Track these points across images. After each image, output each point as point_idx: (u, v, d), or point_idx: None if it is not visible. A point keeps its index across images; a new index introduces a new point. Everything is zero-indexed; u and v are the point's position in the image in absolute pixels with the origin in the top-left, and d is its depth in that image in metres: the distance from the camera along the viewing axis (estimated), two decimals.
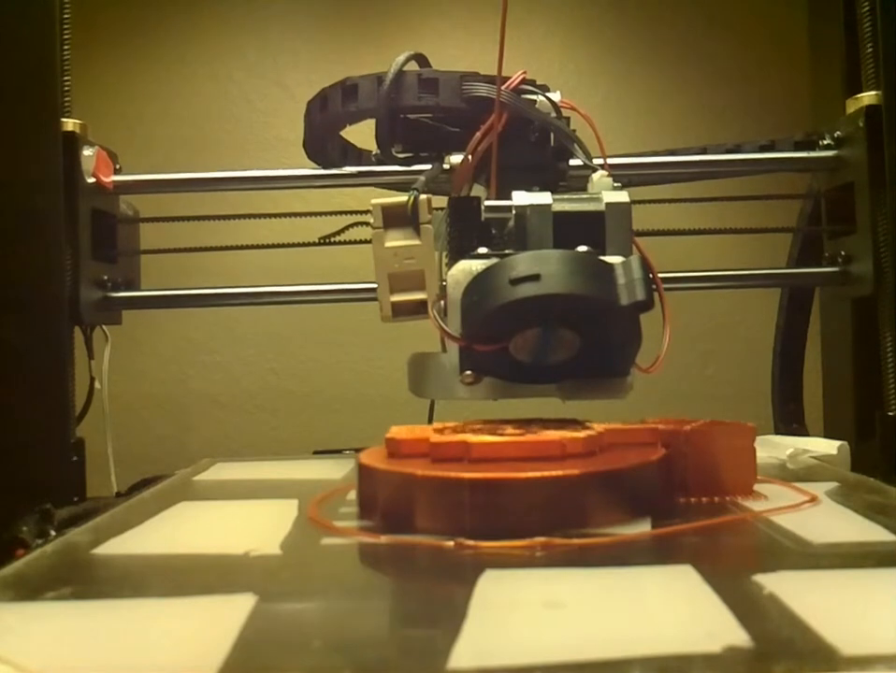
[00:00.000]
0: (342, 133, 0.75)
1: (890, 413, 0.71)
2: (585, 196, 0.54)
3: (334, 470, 0.63)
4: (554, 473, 0.42)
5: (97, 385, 0.79)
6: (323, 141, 0.74)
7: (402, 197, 0.58)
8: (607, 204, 0.53)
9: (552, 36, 1.17)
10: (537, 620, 0.31)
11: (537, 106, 0.60)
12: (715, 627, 0.29)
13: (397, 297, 0.58)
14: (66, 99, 0.73)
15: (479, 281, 0.51)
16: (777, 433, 0.85)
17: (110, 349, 0.80)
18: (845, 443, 0.66)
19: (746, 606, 0.32)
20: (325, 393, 1.14)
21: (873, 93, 0.73)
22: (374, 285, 0.59)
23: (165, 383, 1.14)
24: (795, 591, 0.33)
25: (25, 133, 0.71)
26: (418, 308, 0.58)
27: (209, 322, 1.15)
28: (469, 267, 0.52)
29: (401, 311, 0.58)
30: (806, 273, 0.82)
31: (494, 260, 0.51)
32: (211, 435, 1.14)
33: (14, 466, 0.67)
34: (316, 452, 0.82)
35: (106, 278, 0.78)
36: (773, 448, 0.64)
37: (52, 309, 0.71)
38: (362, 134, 0.73)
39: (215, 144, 1.16)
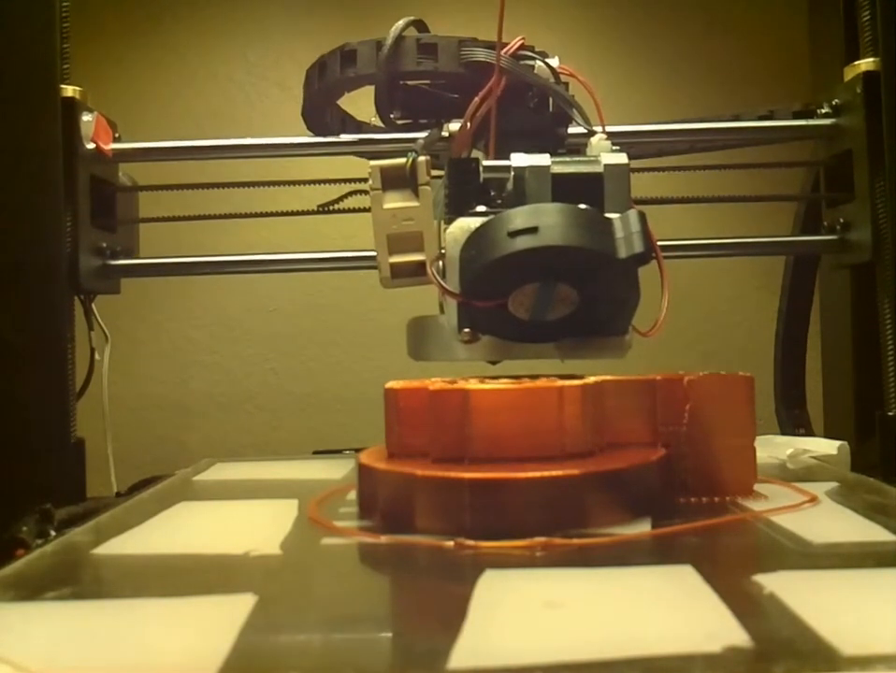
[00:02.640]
0: (342, 107, 0.75)
1: (890, 413, 0.71)
2: (583, 159, 0.54)
3: (334, 470, 0.63)
4: (554, 473, 0.42)
5: (97, 357, 0.78)
6: (322, 110, 0.74)
7: (401, 159, 0.58)
8: (605, 165, 0.53)
9: (551, 36, 1.17)
10: (537, 620, 0.31)
11: (535, 71, 0.60)
12: (715, 627, 0.29)
13: (395, 259, 0.57)
14: (66, 66, 0.72)
15: (477, 236, 0.51)
16: (779, 418, 0.85)
17: (110, 349, 0.80)
18: (845, 443, 0.66)
19: (746, 606, 0.32)
20: (325, 393, 1.14)
21: (870, 59, 0.72)
22: (374, 253, 0.59)
23: (165, 383, 1.14)
24: (795, 591, 0.33)
25: (24, 98, 0.70)
26: (417, 270, 0.57)
27: (209, 322, 1.15)
28: (467, 225, 0.52)
29: (400, 273, 0.58)
30: (805, 241, 0.82)
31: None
32: (211, 435, 1.14)
33: (14, 466, 0.67)
34: (316, 452, 0.82)
35: (105, 245, 0.78)
36: (774, 448, 0.64)
37: (51, 276, 0.70)
38: (362, 110, 0.73)
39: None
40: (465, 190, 0.55)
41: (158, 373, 1.14)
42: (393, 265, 0.57)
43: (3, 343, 0.68)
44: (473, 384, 0.47)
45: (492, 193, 0.55)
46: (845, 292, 0.80)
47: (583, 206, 0.50)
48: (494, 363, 0.56)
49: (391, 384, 0.49)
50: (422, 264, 0.57)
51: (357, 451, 0.54)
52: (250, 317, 1.15)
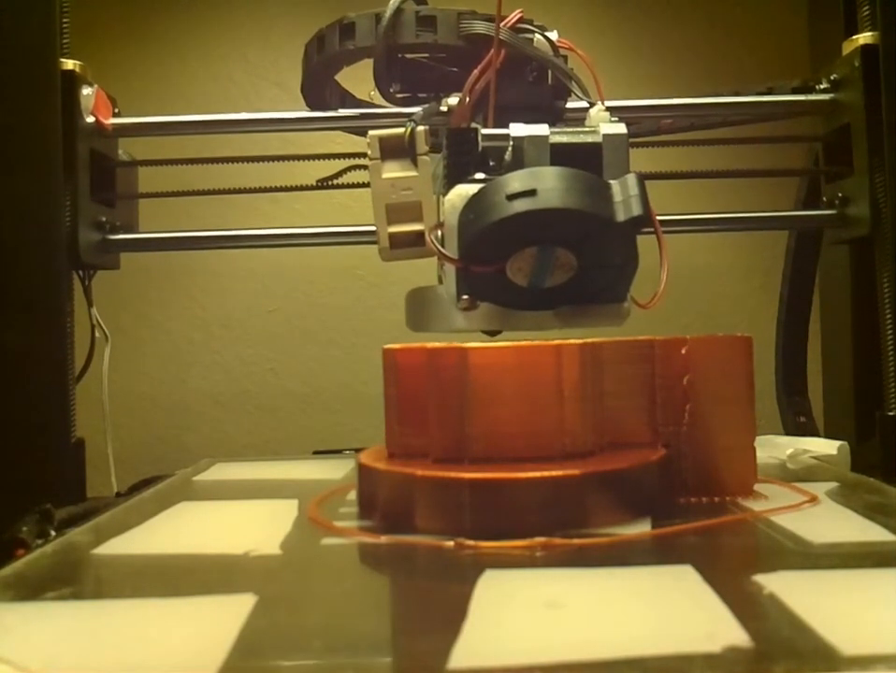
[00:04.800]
0: (344, 87, 0.75)
1: (890, 413, 0.71)
2: (582, 129, 0.54)
3: (334, 470, 0.63)
4: (554, 473, 0.42)
5: (97, 334, 0.78)
6: (321, 84, 0.74)
7: (400, 129, 0.58)
8: (604, 135, 0.53)
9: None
10: (537, 620, 0.31)
11: (534, 45, 0.60)
12: (715, 627, 0.29)
13: (394, 229, 0.57)
14: (65, 40, 0.72)
15: (475, 200, 0.51)
16: (780, 405, 0.85)
17: (110, 349, 0.80)
18: (845, 443, 0.66)
19: (746, 606, 0.32)
20: (325, 393, 1.14)
21: (868, 33, 0.72)
22: (373, 228, 0.58)
23: (165, 383, 1.14)
24: (795, 591, 0.33)
25: (23, 70, 0.70)
26: (416, 240, 0.57)
27: (209, 321, 1.15)
28: (465, 192, 0.52)
29: (399, 243, 0.58)
30: (804, 215, 0.82)
31: None
32: (211, 435, 1.14)
33: (14, 466, 0.67)
34: (316, 452, 0.82)
35: (104, 219, 0.77)
36: (773, 448, 0.64)
37: (50, 249, 0.69)
38: (362, 88, 0.73)
39: (216, 144, 1.16)
40: (464, 160, 0.54)
41: (158, 373, 1.14)
42: (392, 236, 0.57)
43: (2, 342, 0.68)
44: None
45: (491, 164, 0.55)
46: (846, 289, 0.80)
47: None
48: (493, 334, 0.56)
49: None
50: (421, 234, 0.57)
51: (357, 450, 0.54)
52: (250, 317, 1.14)
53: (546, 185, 0.49)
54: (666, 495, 0.48)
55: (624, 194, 0.49)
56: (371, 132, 0.57)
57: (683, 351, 0.49)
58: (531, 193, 0.48)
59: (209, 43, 1.17)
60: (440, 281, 0.56)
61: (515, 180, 0.49)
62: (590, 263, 0.51)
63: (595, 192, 0.49)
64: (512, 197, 0.48)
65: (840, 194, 0.77)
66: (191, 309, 1.15)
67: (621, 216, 0.48)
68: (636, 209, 0.48)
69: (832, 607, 0.32)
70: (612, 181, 0.50)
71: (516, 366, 0.45)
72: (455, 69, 0.64)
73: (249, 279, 1.13)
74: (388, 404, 0.50)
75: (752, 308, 1.12)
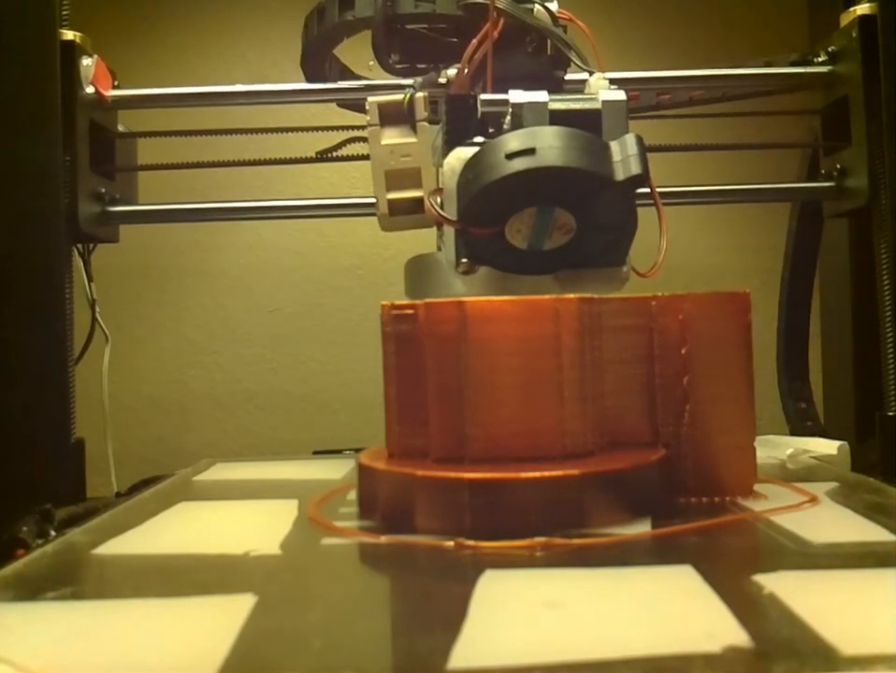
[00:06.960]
0: (343, 62, 0.76)
1: (890, 413, 0.71)
2: (581, 96, 0.54)
3: (334, 470, 0.63)
4: (554, 473, 0.42)
5: (97, 311, 0.78)
6: (321, 57, 0.73)
7: (399, 95, 0.58)
8: (603, 101, 0.53)
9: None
10: (537, 620, 0.31)
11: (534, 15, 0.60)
12: (715, 627, 0.29)
13: (393, 195, 0.57)
14: (65, 12, 0.72)
15: (474, 160, 0.51)
16: (780, 390, 0.85)
17: (110, 349, 0.80)
18: (845, 443, 0.66)
19: (746, 606, 0.32)
20: (324, 393, 1.14)
21: (866, 4, 0.72)
22: (373, 200, 0.58)
23: (165, 383, 1.14)
24: (795, 591, 0.33)
25: (22, 41, 0.70)
26: (415, 207, 0.57)
27: (209, 321, 1.15)
28: (464, 155, 0.52)
29: (398, 209, 0.57)
30: (802, 188, 0.82)
31: None
32: (211, 435, 1.14)
33: (14, 466, 0.67)
34: (316, 452, 0.82)
35: (104, 191, 0.77)
36: (774, 448, 0.64)
37: (50, 220, 0.69)
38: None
39: (215, 144, 1.16)
40: (463, 126, 0.54)
41: (158, 373, 1.14)
42: (391, 202, 0.57)
43: (2, 338, 0.68)
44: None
45: (490, 131, 0.55)
46: (846, 288, 0.80)
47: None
48: None
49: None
50: (420, 201, 0.57)
51: (357, 451, 0.54)
52: (250, 317, 1.14)
53: (545, 144, 0.49)
54: (666, 495, 0.48)
55: (623, 154, 0.49)
56: (371, 98, 0.57)
57: (683, 352, 0.49)
58: (530, 151, 0.48)
59: (209, 43, 1.17)
60: (440, 250, 0.56)
61: (514, 140, 0.49)
62: (589, 224, 0.50)
63: (594, 151, 0.49)
64: (510, 156, 0.48)
65: (838, 166, 0.77)
66: (190, 309, 1.15)
67: (620, 175, 0.49)
68: (635, 168, 0.48)
69: (832, 607, 0.32)
70: (611, 142, 0.50)
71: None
72: (454, 39, 0.64)
73: (249, 279, 1.13)
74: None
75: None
